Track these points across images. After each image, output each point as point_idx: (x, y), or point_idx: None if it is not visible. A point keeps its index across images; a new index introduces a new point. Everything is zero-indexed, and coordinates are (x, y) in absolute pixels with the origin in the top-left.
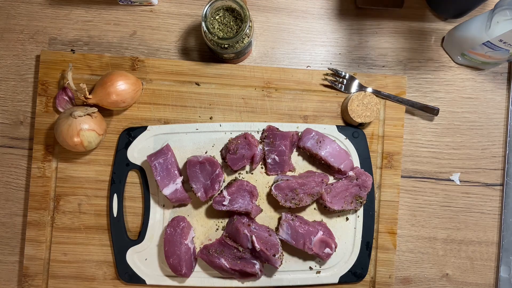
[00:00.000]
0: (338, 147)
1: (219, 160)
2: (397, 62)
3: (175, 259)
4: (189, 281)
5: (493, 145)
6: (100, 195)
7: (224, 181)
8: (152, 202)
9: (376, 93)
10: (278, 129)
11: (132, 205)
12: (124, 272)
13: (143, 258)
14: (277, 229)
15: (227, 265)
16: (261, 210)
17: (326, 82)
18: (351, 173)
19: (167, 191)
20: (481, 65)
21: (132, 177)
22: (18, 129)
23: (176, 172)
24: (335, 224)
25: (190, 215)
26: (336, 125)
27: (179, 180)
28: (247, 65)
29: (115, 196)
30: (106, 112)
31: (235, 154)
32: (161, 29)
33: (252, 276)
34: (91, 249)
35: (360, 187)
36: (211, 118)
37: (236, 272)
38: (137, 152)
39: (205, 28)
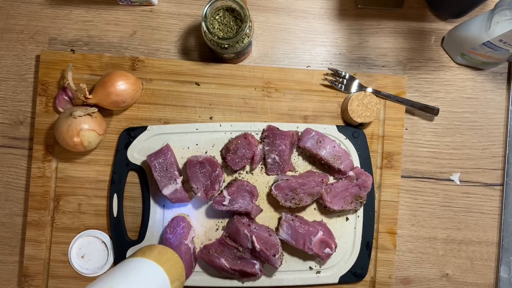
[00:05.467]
0: (338, 147)
1: (219, 160)
2: (397, 62)
3: None
4: (189, 281)
5: (493, 145)
6: (100, 195)
7: (224, 181)
8: (152, 202)
9: (376, 93)
10: (278, 128)
11: (132, 205)
12: None
13: None
14: (277, 229)
15: (227, 265)
16: (261, 210)
17: (326, 82)
18: (351, 173)
19: (166, 191)
20: (481, 65)
21: (132, 177)
22: (18, 129)
23: (176, 172)
24: (335, 224)
25: (190, 215)
26: (336, 125)
27: (179, 180)
28: (247, 65)
29: (115, 196)
30: (106, 112)
31: (235, 154)
32: (161, 29)
33: (252, 276)
34: None
35: (360, 187)
36: (211, 118)
37: (236, 272)
38: (137, 152)
39: (205, 28)
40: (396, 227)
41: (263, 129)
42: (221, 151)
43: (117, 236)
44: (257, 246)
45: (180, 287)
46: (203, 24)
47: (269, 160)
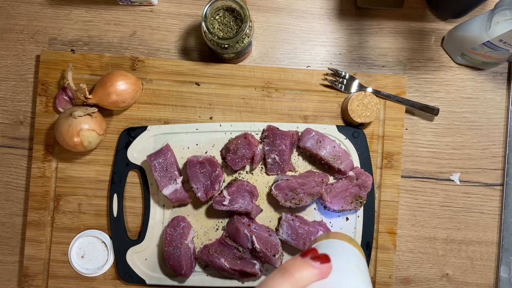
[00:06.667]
0: (338, 147)
1: (219, 160)
2: (397, 62)
3: (175, 259)
4: (189, 281)
5: (493, 145)
6: (100, 195)
7: (224, 181)
8: (152, 202)
9: (376, 93)
10: (278, 128)
11: (132, 205)
12: (124, 272)
13: (143, 258)
14: (277, 229)
15: (227, 265)
16: (261, 210)
17: (326, 82)
18: (351, 173)
19: (166, 191)
20: (481, 65)
21: (132, 177)
22: (18, 129)
23: (176, 172)
24: (335, 224)
25: (190, 215)
26: (336, 125)
27: (179, 180)
28: (247, 65)
29: (115, 196)
30: (106, 112)
31: (235, 154)
32: (161, 29)
33: (252, 276)
34: None
35: (360, 187)
36: (211, 118)
37: (236, 272)
38: (137, 152)
39: (205, 28)
40: (396, 227)
41: (263, 129)
42: (221, 151)
43: (117, 236)
44: (257, 246)
45: None
46: (203, 24)
47: (269, 160)
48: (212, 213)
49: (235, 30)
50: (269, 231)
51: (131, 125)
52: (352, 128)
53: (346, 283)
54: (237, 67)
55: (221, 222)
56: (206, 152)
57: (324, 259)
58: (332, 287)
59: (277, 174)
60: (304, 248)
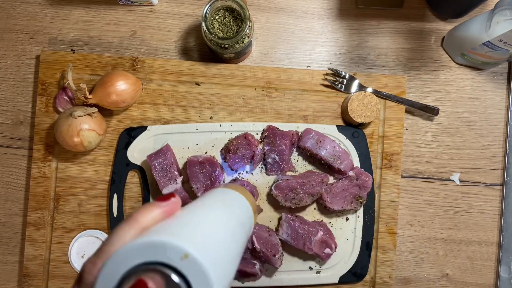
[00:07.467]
0: (338, 147)
1: (219, 160)
2: (397, 62)
3: None
4: None
5: (493, 145)
6: (100, 195)
7: (224, 181)
8: None
9: (376, 93)
10: (278, 128)
11: (132, 205)
12: None
13: None
14: (277, 229)
15: None
16: (261, 210)
17: (326, 82)
18: (351, 173)
19: (166, 191)
20: (481, 65)
21: (132, 177)
22: (18, 129)
23: (176, 172)
24: (335, 224)
25: None
26: (336, 125)
27: (179, 180)
28: (247, 65)
29: (115, 196)
30: (106, 112)
31: (235, 154)
32: (161, 29)
33: (252, 276)
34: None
35: (360, 187)
36: (211, 118)
37: (236, 272)
38: (137, 152)
39: (205, 28)
40: (396, 227)
41: (263, 129)
42: (221, 151)
43: None
44: (257, 246)
45: (255, 221)
46: (203, 24)
47: (269, 160)
48: None
49: (235, 30)
50: (269, 231)
51: (131, 125)
52: (352, 128)
53: (193, 213)
54: (237, 67)
55: None
56: (206, 152)
57: (167, 198)
58: (176, 219)
59: (277, 174)
60: (304, 248)
